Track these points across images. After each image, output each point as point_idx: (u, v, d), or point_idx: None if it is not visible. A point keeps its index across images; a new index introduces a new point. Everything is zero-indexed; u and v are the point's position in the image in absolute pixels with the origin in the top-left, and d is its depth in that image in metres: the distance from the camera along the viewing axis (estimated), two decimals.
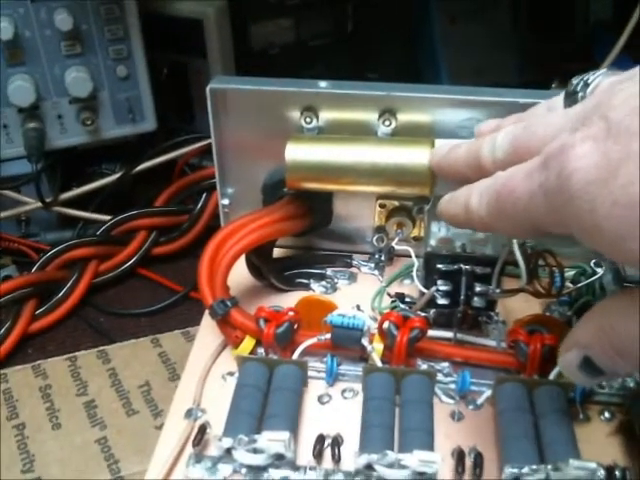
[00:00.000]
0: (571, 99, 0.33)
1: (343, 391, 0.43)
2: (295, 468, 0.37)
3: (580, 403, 0.41)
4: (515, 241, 0.40)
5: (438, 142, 0.45)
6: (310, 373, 0.43)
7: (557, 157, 0.28)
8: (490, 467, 0.37)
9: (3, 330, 0.56)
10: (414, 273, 0.46)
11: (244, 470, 0.37)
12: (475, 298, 0.44)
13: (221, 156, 0.50)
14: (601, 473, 0.34)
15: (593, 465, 0.34)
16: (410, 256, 0.48)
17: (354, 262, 0.53)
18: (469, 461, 0.37)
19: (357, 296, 0.49)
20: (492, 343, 0.44)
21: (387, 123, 0.47)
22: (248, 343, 0.44)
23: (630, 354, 0.30)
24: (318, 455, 0.37)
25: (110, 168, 0.72)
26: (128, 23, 0.65)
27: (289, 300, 0.47)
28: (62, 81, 0.64)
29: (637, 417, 0.39)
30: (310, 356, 0.43)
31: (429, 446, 0.37)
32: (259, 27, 0.76)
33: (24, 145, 0.64)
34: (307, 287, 0.51)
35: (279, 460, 0.37)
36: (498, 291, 0.43)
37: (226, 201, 0.53)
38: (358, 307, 0.47)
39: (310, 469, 0.37)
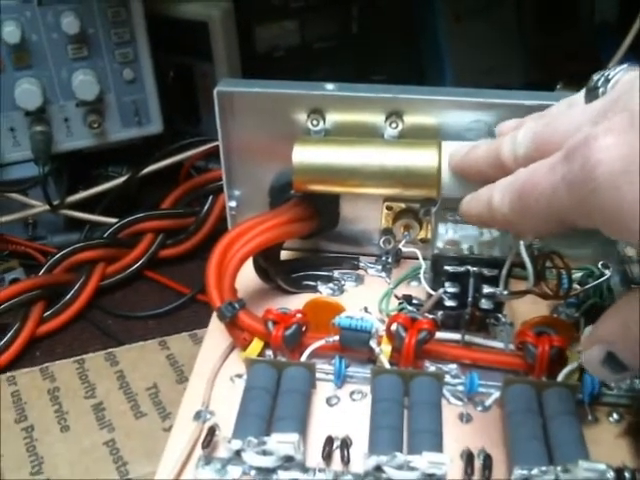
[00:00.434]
0: (592, 95, 0.33)
1: (351, 393, 0.43)
2: (304, 470, 0.37)
3: (589, 404, 0.40)
4: (522, 243, 0.40)
5: (445, 144, 0.45)
6: (318, 375, 0.43)
7: (580, 149, 0.28)
8: (499, 469, 0.37)
9: (11, 333, 0.57)
10: (421, 275, 0.47)
11: (253, 472, 0.37)
12: (483, 300, 0.44)
13: (228, 158, 0.51)
14: (610, 475, 0.34)
15: (602, 466, 0.34)
16: (417, 258, 0.48)
17: (361, 264, 0.53)
18: (478, 463, 0.37)
19: (364, 298, 0.49)
20: (500, 345, 0.44)
21: (394, 125, 0.47)
22: (256, 345, 0.44)
23: None
24: (327, 457, 0.38)
25: (117, 171, 0.72)
26: (134, 26, 0.65)
27: (296, 302, 0.47)
28: (69, 84, 0.64)
29: None
30: (318, 358, 0.43)
31: (438, 448, 0.37)
32: (264, 30, 0.77)
33: (31, 148, 0.65)
34: (314, 289, 0.51)
35: (288, 462, 0.37)
36: (506, 293, 0.43)
37: (233, 203, 0.53)
38: (365, 309, 0.47)
39: (319, 471, 0.37)
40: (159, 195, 0.69)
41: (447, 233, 0.45)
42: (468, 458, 0.37)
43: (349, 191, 0.47)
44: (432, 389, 0.41)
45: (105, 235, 0.65)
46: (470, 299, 0.43)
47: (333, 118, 0.48)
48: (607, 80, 0.32)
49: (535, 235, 0.38)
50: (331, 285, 0.51)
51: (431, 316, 0.44)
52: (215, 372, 0.44)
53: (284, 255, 0.52)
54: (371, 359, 0.43)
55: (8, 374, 0.55)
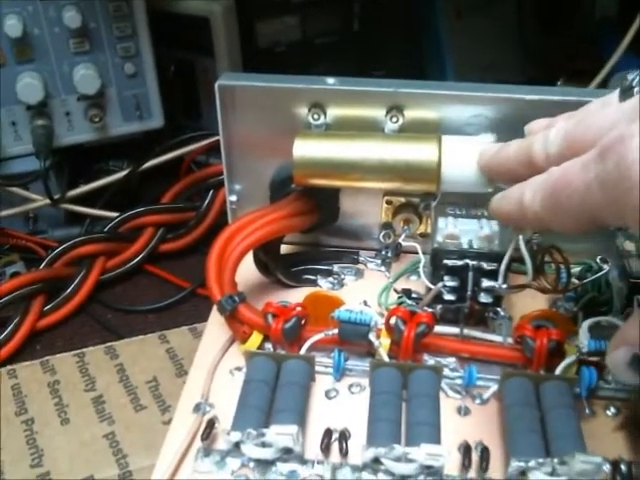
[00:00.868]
0: (627, 94, 0.33)
1: (350, 386, 0.43)
2: (303, 462, 0.38)
3: (586, 398, 0.41)
4: (521, 237, 0.40)
5: (445, 138, 0.45)
6: (317, 368, 0.43)
7: (615, 148, 0.28)
8: (496, 461, 0.37)
9: (12, 326, 0.57)
10: (421, 269, 0.47)
11: (252, 464, 0.38)
12: (482, 294, 0.44)
13: (229, 153, 0.51)
14: (607, 467, 0.35)
15: (599, 459, 0.34)
16: (417, 252, 0.48)
17: (361, 258, 0.53)
18: (476, 455, 0.37)
19: (364, 292, 0.49)
20: (498, 339, 0.45)
21: (394, 120, 0.47)
22: (256, 338, 0.44)
23: None
24: (326, 449, 0.38)
25: (117, 165, 0.72)
26: (136, 21, 0.65)
27: (296, 296, 0.47)
28: (70, 78, 0.65)
29: None
30: (317, 351, 0.44)
31: (436, 440, 0.37)
32: (265, 25, 0.77)
33: (32, 142, 0.65)
34: (314, 283, 0.51)
35: (287, 454, 0.37)
36: (505, 287, 0.43)
37: (234, 198, 0.53)
38: (365, 303, 0.47)
39: (318, 463, 0.37)
40: (160, 189, 0.69)
41: (447, 227, 0.45)
42: (466, 450, 0.37)
43: (349, 185, 0.47)
44: (431, 382, 0.41)
45: (105, 229, 0.65)
46: (469, 293, 0.44)
47: (334, 112, 0.48)
48: None
49: (567, 233, 0.38)
50: (331, 279, 0.51)
51: (430, 310, 0.44)
52: (215, 365, 0.44)
53: (284, 249, 0.52)
54: (370, 352, 0.44)
55: (8, 367, 0.55)
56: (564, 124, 0.34)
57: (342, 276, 0.52)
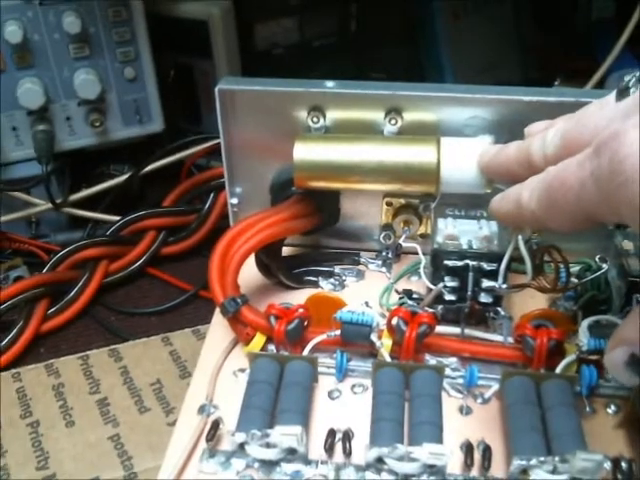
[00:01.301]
0: (624, 95, 0.33)
1: (353, 386, 0.43)
2: (307, 462, 0.38)
3: (586, 396, 0.41)
4: (520, 237, 0.41)
5: (444, 140, 0.45)
6: (320, 369, 0.43)
7: (609, 143, 0.28)
8: (498, 459, 0.38)
9: (16, 330, 0.57)
10: (421, 270, 0.47)
11: (257, 464, 0.38)
12: (482, 294, 0.44)
13: (230, 156, 0.51)
14: (608, 465, 0.35)
15: (600, 457, 0.34)
16: (417, 253, 0.48)
17: (362, 260, 0.53)
18: (478, 454, 0.38)
19: (365, 293, 0.49)
20: (499, 338, 0.45)
21: (393, 122, 0.47)
22: (259, 340, 0.44)
23: None
24: (329, 449, 0.38)
25: (118, 169, 0.73)
26: (135, 25, 0.65)
27: (298, 298, 0.47)
28: (71, 83, 0.65)
29: None
30: (320, 352, 0.44)
31: (438, 439, 0.37)
32: (263, 28, 0.77)
33: (34, 147, 0.65)
34: (316, 285, 0.51)
35: (291, 454, 0.38)
36: (505, 287, 0.43)
37: (235, 200, 0.53)
38: (366, 304, 0.47)
39: (322, 463, 0.38)
40: (161, 193, 0.69)
41: (446, 228, 0.46)
42: (468, 449, 0.38)
43: (349, 187, 0.48)
44: (432, 382, 0.41)
45: (108, 233, 0.65)
46: (469, 293, 0.44)
47: (333, 115, 0.48)
48: (638, 80, 0.33)
49: (564, 232, 0.39)
50: (332, 280, 0.52)
51: (431, 310, 0.44)
52: (218, 367, 0.45)
53: (286, 251, 0.53)
54: (372, 353, 0.44)
55: (13, 371, 0.55)
56: (562, 124, 0.35)
57: (343, 277, 0.52)
